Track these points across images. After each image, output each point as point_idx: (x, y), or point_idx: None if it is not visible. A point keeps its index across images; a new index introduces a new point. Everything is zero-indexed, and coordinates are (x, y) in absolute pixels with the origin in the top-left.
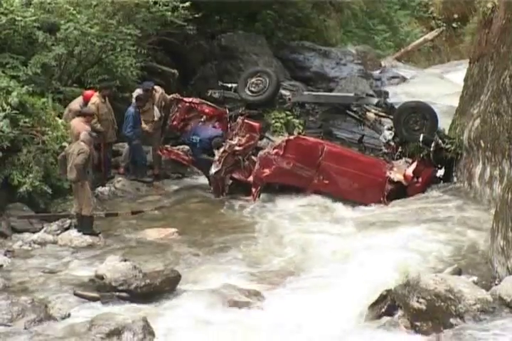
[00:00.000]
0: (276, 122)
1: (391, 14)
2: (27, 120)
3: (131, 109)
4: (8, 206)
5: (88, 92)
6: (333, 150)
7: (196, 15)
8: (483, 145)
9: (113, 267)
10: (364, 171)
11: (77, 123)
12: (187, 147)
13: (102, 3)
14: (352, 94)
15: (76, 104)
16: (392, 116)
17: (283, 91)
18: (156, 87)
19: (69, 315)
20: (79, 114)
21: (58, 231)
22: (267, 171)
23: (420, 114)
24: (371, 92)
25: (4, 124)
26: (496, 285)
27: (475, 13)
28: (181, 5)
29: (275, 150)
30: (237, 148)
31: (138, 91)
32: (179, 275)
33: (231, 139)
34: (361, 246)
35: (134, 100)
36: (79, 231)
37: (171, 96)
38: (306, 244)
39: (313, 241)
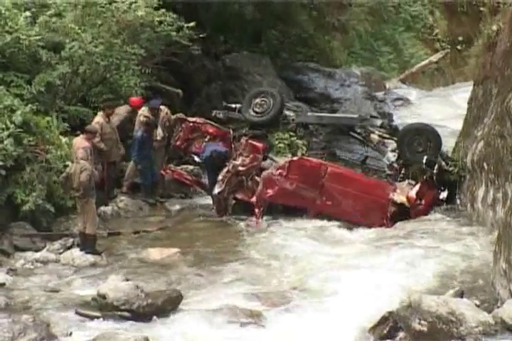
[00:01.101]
0: (279, 143)
1: (396, 36)
2: (31, 138)
3: (138, 133)
4: (10, 224)
5: (134, 99)
6: (336, 172)
7: (201, 36)
8: (486, 167)
9: (115, 286)
10: (367, 193)
11: (79, 141)
12: (190, 167)
13: (107, 23)
14: (356, 116)
15: (123, 110)
16: (395, 138)
17: (287, 112)
18: (160, 107)
19: (71, 334)
20: (82, 131)
21: (61, 250)
22: (270, 192)
23: (424, 136)
24: (375, 114)
25: (8, 143)
26: (498, 307)
27: (480, 36)
28: (186, 25)
29: (278, 171)
30: (240, 168)
31: (144, 110)
32: (181, 295)
33: (235, 159)
34: (363, 267)
35: (140, 118)
36: (81, 250)
37: (175, 116)
38: (308, 264)
39: (315, 262)
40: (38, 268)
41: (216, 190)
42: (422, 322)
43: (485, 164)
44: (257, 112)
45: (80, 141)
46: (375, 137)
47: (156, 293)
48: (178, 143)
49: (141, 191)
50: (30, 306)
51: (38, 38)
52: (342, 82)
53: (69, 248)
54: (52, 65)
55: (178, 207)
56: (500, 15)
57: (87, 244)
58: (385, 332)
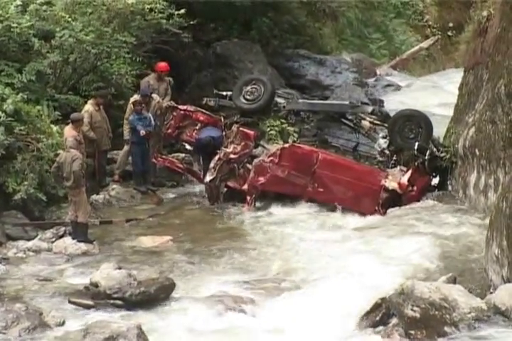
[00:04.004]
0: (271, 130)
1: (386, 22)
2: (22, 127)
3: (130, 117)
4: (2, 213)
5: (161, 64)
6: (327, 159)
7: (191, 23)
8: (477, 153)
9: (108, 275)
10: (359, 179)
11: (68, 130)
12: (182, 155)
13: (98, 11)
14: (347, 102)
15: (150, 80)
16: (387, 125)
17: (278, 99)
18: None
19: (63, 323)
20: (70, 120)
21: (53, 239)
22: (261, 179)
23: (415, 122)
24: (366, 100)
25: None
26: (491, 293)
27: (470, 22)
28: (176, 12)
29: (270, 158)
30: (232, 156)
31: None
32: (173, 283)
33: (226, 147)
34: (356, 254)
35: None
36: (73, 238)
37: (166, 104)
38: (300, 251)
39: (308, 249)
40: (30, 257)
41: (208, 178)
42: (415, 308)
43: (476, 150)
44: (248, 99)
45: (67, 130)
46: (366, 124)
47: (149, 281)
48: (169, 131)
49: (133, 179)
50: (23, 295)
51: (28, 25)
52: (333, 69)
53: (61, 236)
54: (42, 54)
55: (169, 195)
56: (491, 1)
57: (79, 232)
58: (377, 318)
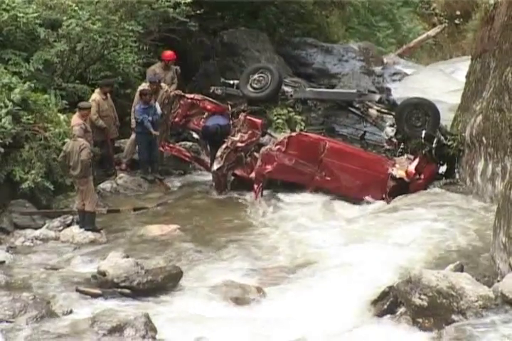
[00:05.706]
0: (278, 119)
1: (393, 11)
2: (29, 116)
3: (136, 107)
4: (10, 202)
5: (167, 53)
6: (335, 147)
7: (198, 12)
8: (485, 141)
9: (115, 263)
10: (366, 168)
11: (74, 119)
12: (189, 143)
13: (104, 0)
14: (354, 91)
15: (156, 68)
16: (394, 113)
17: (285, 88)
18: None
19: (71, 312)
20: (77, 108)
21: (60, 228)
22: (269, 168)
23: (422, 110)
24: (373, 89)
25: (6, 121)
26: (498, 281)
27: (477, 10)
28: (183, 1)
29: (277, 147)
30: (239, 144)
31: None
32: (181, 271)
33: (233, 136)
34: (362, 242)
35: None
36: (81, 227)
37: (173, 92)
38: (308, 240)
39: (315, 238)
40: (37, 246)
41: (215, 167)
42: (422, 296)
43: (484, 138)
44: (255, 88)
45: (74, 119)
46: (373, 112)
47: (156, 269)
48: (176, 119)
49: (140, 168)
50: (31, 284)
51: (35, 15)
52: (340, 57)
53: (68, 225)
54: (49, 43)
55: (177, 183)
56: None
57: (87, 221)
58: (385, 307)
